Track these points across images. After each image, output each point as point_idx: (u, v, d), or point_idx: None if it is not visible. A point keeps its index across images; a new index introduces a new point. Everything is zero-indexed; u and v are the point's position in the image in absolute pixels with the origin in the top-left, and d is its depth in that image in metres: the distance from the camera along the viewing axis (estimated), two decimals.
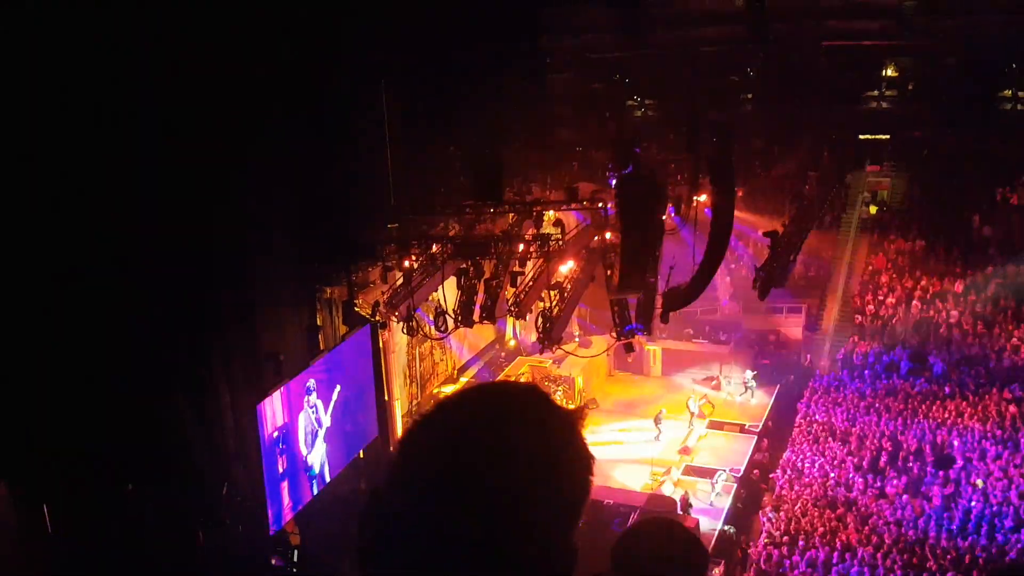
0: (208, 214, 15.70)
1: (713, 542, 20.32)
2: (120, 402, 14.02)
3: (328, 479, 19.88)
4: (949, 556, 18.44)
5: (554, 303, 21.02)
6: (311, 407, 19.18)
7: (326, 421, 19.77)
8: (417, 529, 1.42)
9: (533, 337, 24.76)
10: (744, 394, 27.37)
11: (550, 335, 20.87)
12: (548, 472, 1.44)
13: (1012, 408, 23.45)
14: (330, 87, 18.30)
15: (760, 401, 27.23)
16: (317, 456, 19.53)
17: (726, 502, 21.94)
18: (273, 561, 16.38)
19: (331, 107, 18.72)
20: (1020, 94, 29.98)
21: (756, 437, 25.02)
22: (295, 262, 19.61)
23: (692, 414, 25.86)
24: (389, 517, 1.45)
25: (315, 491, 19.55)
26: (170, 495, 15.04)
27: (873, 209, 30.72)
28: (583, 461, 1.51)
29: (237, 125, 16.23)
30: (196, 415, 16.26)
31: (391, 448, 22.92)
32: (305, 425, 19.01)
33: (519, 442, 1.44)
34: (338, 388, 20.07)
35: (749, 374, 27.34)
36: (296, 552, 16.96)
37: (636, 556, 2.55)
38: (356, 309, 21.89)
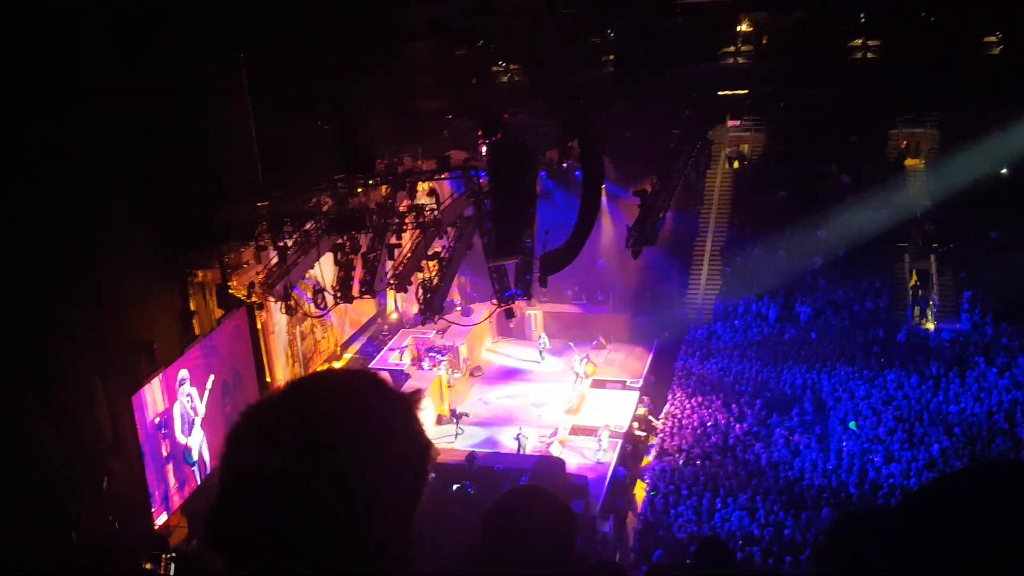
0: (51, 199, 14.89)
1: (602, 498, 20.87)
2: None
3: (210, 467, 19.42)
4: (825, 495, 19.44)
5: (433, 273, 20.97)
6: (186, 396, 18.67)
7: (201, 410, 19.27)
8: (252, 525, 1.39)
9: (415, 309, 24.65)
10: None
11: (431, 306, 20.84)
12: (376, 459, 1.41)
13: (876, 349, 24.82)
14: (184, 64, 17.55)
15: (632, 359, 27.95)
16: (195, 443, 19.04)
17: (612, 458, 22.49)
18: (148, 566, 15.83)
19: (187, 85, 17.96)
20: (869, 43, 31.31)
21: (638, 393, 25.69)
22: (161, 247, 18.88)
23: (577, 375, 26.33)
24: (225, 514, 1.42)
25: (199, 479, 19.06)
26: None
27: (736, 164, 31.74)
28: (417, 446, 1.48)
29: (84, 108, 15.43)
30: (58, 415, 15.49)
31: None
32: (181, 414, 18.51)
33: (345, 429, 1.41)
34: (212, 377, 19.56)
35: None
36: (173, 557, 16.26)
37: (505, 530, 2.59)
38: (231, 291, 21.31)
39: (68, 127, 15.21)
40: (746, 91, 29.29)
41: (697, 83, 25.80)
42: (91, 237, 16.40)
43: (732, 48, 30.73)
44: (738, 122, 31.49)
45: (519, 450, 23.20)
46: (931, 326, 25.97)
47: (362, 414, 1.45)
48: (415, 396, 1.55)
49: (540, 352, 28.51)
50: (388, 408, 1.49)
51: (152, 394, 17.56)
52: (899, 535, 1.38)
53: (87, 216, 16.19)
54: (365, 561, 1.42)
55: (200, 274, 20.97)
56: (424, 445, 1.50)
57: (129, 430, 16.91)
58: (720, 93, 27.89)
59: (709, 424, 22.77)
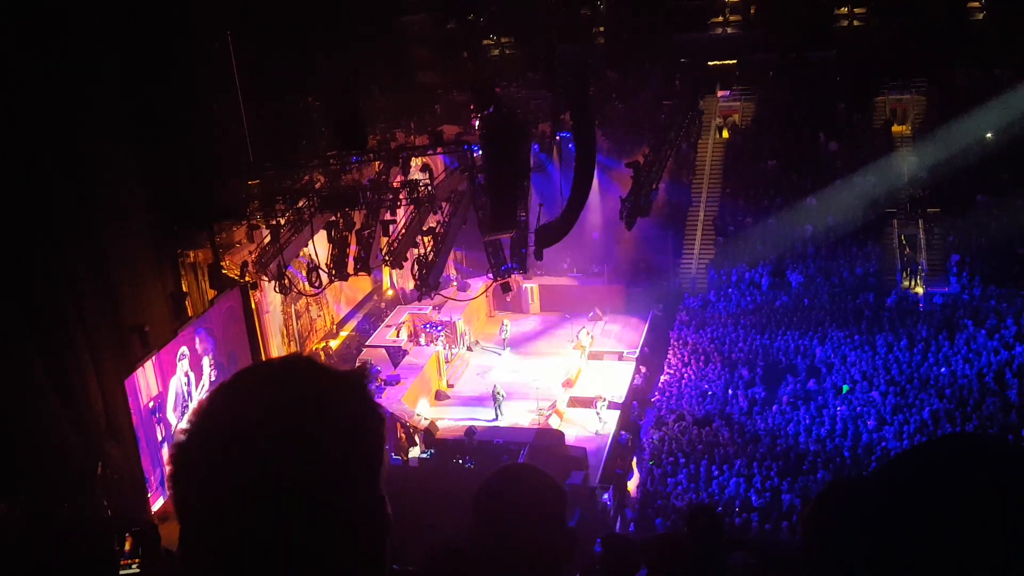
0: (46, 183, 14.78)
1: (601, 469, 21.02)
2: None
3: None
4: (819, 459, 19.66)
5: (429, 249, 20.94)
6: (183, 374, 18.58)
7: (196, 393, 19.17)
8: (216, 523, 1.39)
9: (411, 285, 24.65)
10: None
11: (427, 281, 20.81)
12: (320, 435, 1.41)
13: (867, 313, 25.02)
14: (173, 43, 17.39)
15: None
16: None
17: (610, 429, 22.62)
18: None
19: (176, 64, 17.80)
20: (856, 11, 31.33)
21: (634, 363, 25.81)
22: (151, 228, 18.74)
23: (583, 347, 26.46)
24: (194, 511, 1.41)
25: None
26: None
27: (726, 133, 31.75)
28: (361, 418, 1.48)
29: (82, 91, 15.30)
30: (56, 400, 15.43)
31: None
32: (176, 391, 18.42)
33: (285, 413, 1.41)
34: (209, 358, 19.49)
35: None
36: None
37: (498, 503, 2.60)
38: (224, 272, 21.22)
39: (66, 112, 15.08)
40: (735, 60, 29.35)
41: (687, 53, 25.80)
42: (88, 217, 16.32)
43: (720, 18, 30.76)
44: (728, 92, 31.50)
45: (495, 406, 23.51)
46: (920, 290, 26.18)
47: (294, 404, 1.44)
48: (361, 370, 1.55)
49: (503, 340, 28.09)
50: (324, 392, 1.47)
51: (145, 378, 17.45)
52: (874, 504, 1.41)
53: (85, 196, 16.11)
54: (338, 549, 1.42)
55: (192, 254, 20.86)
56: (366, 416, 1.48)
57: (123, 414, 16.80)
58: (710, 63, 27.88)
59: (706, 392, 22.94)
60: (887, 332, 24.02)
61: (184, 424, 1.45)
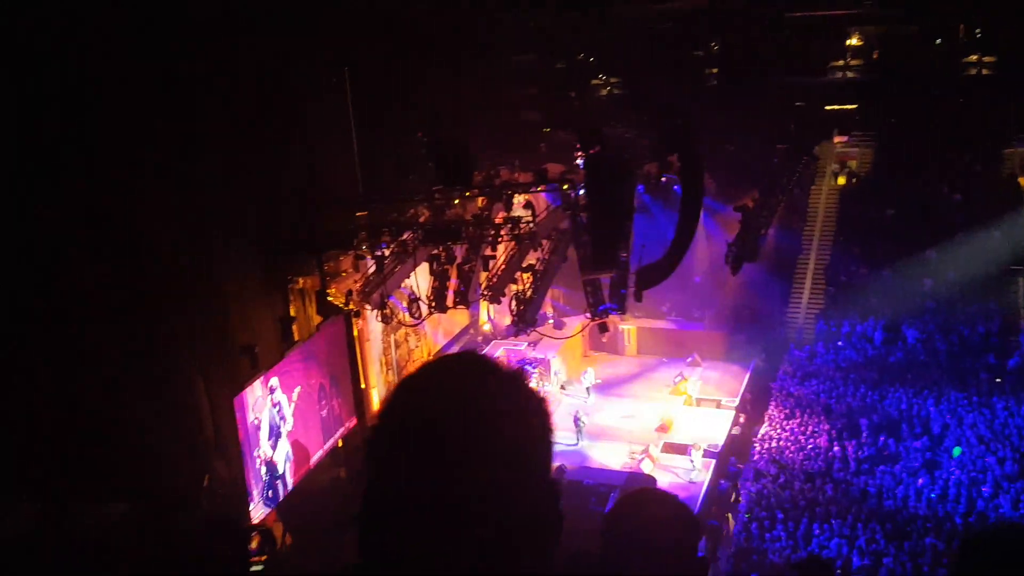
0: (166, 208, 15.46)
1: None
2: (96, 407, 13.83)
3: (291, 481, 19.60)
4: (929, 525, 18.62)
5: (527, 285, 20.96)
6: (274, 406, 18.96)
7: (289, 419, 19.50)
8: (399, 499, 1.47)
9: (507, 320, 24.68)
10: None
11: (524, 317, 20.81)
12: (499, 423, 1.50)
13: (984, 376, 23.72)
14: (291, 74, 18.07)
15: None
16: (280, 456, 19.23)
17: (705, 477, 22.02)
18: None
19: (293, 95, 18.49)
20: (985, 59, 30.10)
21: (733, 412, 25.13)
22: (265, 253, 19.41)
23: (686, 394, 26.06)
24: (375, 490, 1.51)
25: (282, 493, 19.22)
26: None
27: (842, 180, 30.83)
28: (534, 406, 1.57)
29: (201, 122, 15.99)
30: (168, 415, 16.02)
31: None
32: (269, 423, 18.80)
33: (470, 402, 1.51)
34: (298, 388, 19.79)
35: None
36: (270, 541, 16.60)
37: (630, 527, 2.55)
38: (329, 299, 21.72)
39: (185, 138, 15.78)
40: (855, 105, 28.53)
41: (804, 96, 25.22)
42: (203, 241, 16.99)
43: (841, 62, 30.01)
44: (846, 137, 30.63)
45: (577, 433, 23.56)
46: None
47: (483, 388, 1.55)
48: (520, 371, 1.65)
49: (587, 390, 27.46)
50: (500, 379, 1.58)
51: (253, 396, 17.96)
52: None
53: (201, 220, 16.79)
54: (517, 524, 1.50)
55: (301, 281, 21.45)
56: (539, 404, 1.59)
57: (230, 431, 17.30)
58: (828, 107, 27.17)
59: (809, 447, 22.09)
60: (1008, 396, 22.69)
61: (380, 405, 1.59)
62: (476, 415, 1.50)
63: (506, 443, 1.50)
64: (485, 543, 1.47)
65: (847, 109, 30.53)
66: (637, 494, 2.79)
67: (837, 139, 30.71)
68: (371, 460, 1.54)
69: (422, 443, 1.47)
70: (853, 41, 26.80)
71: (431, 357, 1.89)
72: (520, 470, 1.51)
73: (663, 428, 24.70)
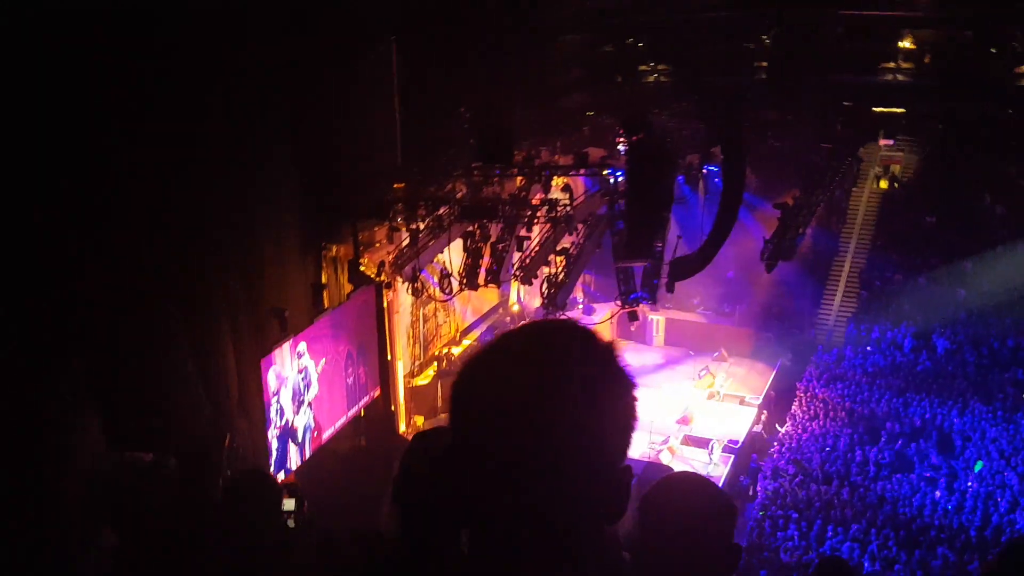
0: (209, 173, 15.60)
1: None
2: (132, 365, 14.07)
3: (322, 438, 19.83)
4: (943, 535, 18.52)
5: (560, 269, 20.97)
6: (300, 371, 19.12)
7: (314, 386, 19.65)
8: (470, 466, 1.48)
9: (537, 302, 24.73)
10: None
11: (555, 301, 20.84)
12: (594, 398, 1.49)
13: (1012, 389, 23.47)
14: (338, 42, 18.09)
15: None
16: (301, 422, 19.40)
17: (723, 472, 22.02)
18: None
19: (338, 64, 18.52)
20: None
21: (756, 409, 25.07)
22: (301, 219, 19.52)
23: (712, 387, 26.00)
24: (437, 457, 1.53)
25: (301, 458, 19.40)
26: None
27: (884, 183, 30.47)
28: (625, 385, 1.58)
29: (247, 89, 16.10)
30: (197, 372, 16.26)
31: (392, 406, 23.03)
32: (293, 388, 18.98)
33: (563, 373, 1.49)
34: (324, 360, 19.93)
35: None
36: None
37: (666, 510, 2.56)
38: (361, 268, 21.84)
39: (227, 103, 15.88)
40: (903, 109, 28.10)
41: (853, 96, 24.86)
42: (242, 203, 17.13)
43: (892, 64, 29.53)
44: (891, 141, 30.21)
45: None
46: None
47: (578, 358, 1.53)
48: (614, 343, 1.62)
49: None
50: (597, 350, 1.57)
51: (280, 359, 18.10)
52: None
53: (241, 183, 16.93)
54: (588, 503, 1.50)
55: (334, 249, 21.56)
56: (629, 382, 1.59)
57: (255, 392, 17.47)
58: (875, 109, 26.78)
59: (829, 449, 22.01)
60: None
61: (467, 359, 1.58)
62: (569, 382, 1.47)
63: (591, 423, 1.47)
64: (548, 523, 1.45)
65: (895, 112, 30.09)
66: (674, 478, 2.79)
67: (882, 142, 30.30)
68: (454, 417, 1.54)
69: (501, 412, 1.45)
70: (906, 44, 26.34)
71: (535, 321, 1.89)
72: (597, 453, 1.49)
73: (685, 420, 24.68)
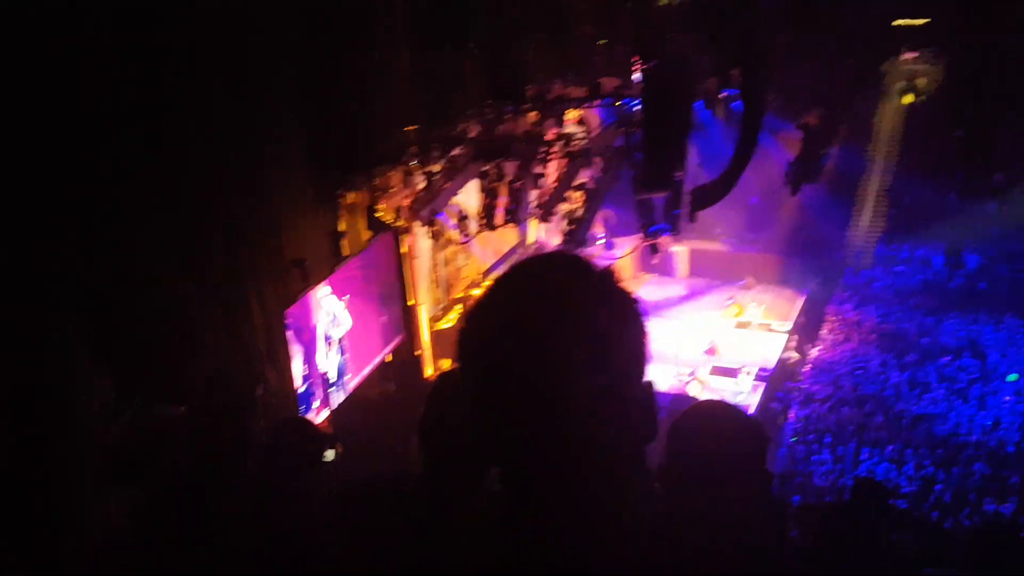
0: (218, 127, 15.37)
1: None
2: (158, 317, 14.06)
3: (349, 386, 19.95)
4: (981, 451, 18.36)
5: (579, 205, 20.65)
6: (328, 314, 19.14)
7: (343, 327, 19.70)
8: (485, 408, 1.50)
9: (557, 239, 24.45)
10: None
11: (575, 237, 20.56)
12: (596, 324, 1.51)
13: None
14: None
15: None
16: (333, 364, 19.51)
17: (753, 400, 21.90)
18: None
19: (344, 6, 18.12)
20: None
21: (785, 336, 24.83)
22: (312, 169, 19.31)
23: (743, 314, 25.73)
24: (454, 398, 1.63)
25: (338, 399, 19.59)
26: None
27: (908, 98, 29.63)
28: (632, 307, 1.62)
29: (260, 34, 15.80)
30: (227, 323, 16.28)
31: (417, 351, 23.05)
32: (322, 332, 19.01)
33: (563, 303, 1.52)
34: (347, 297, 19.90)
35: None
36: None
37: (696, 437, 2.58)
38: (378, 215, 21.65)
39: (236, 54, 15.59)
40: (926, 20, 27.21)
41: (872, 8, 24.06)
42: (255, 155, 16.94)
43: None
44: (915, 54, 29.31)
45: None
46: None
47: (583, 288, 1.55)
48: (611, 269, 1.64)
49: None
50: (597, 279, 1.58)
51: (305, 308, 18.16)
52: None
53: (251, 137, 16.72)
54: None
55: (350, 196, 21.34)
56: (636, 307, 1.64)
57: (281, 342, 17.52)
58: (898, 21, 25.93)
59: (861, 372, 21.81)
60: None
61: (475, 298, 1.60)
62: (573, 313, 1.48)
63: (603, 343, 1.49)
64: (575, 449, 1.46)
65: (917, 24, 29.15)
66: (702, 405, 2.77)
67: (906, 55, 29.41)
68: (463, 357, 1.55)
69: (514, 344, 1.46)
70: None
71: (529, 257, 1.86)
72: (616, 375, 1.52)
73: (712, 351, 24.49)
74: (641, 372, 1.61)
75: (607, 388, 1.51)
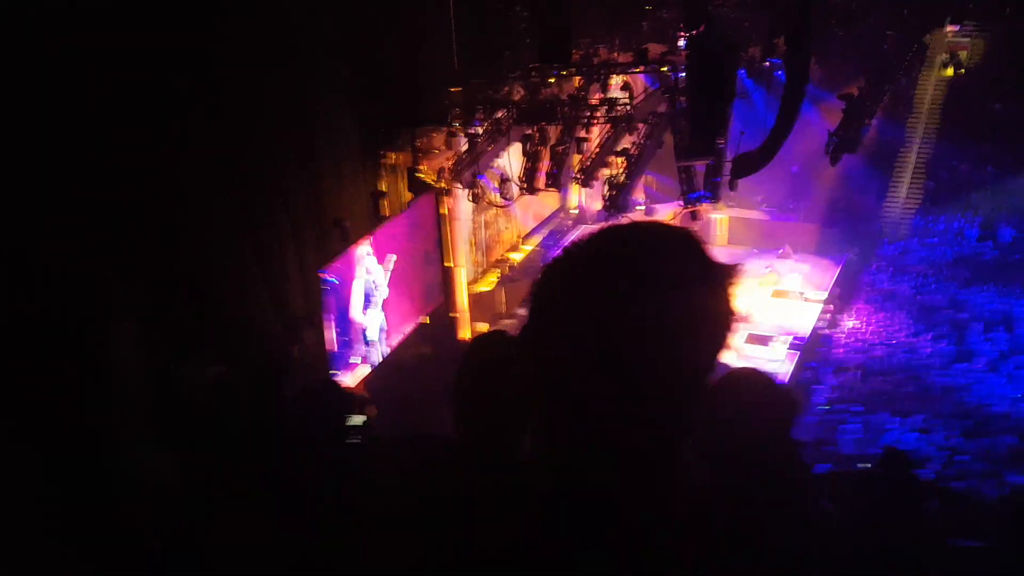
0: (265, 84, 15.67)
1: None
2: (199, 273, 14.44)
3: (387, 347, 20.23)
4: (1008, 424, 18.52)
5: (621, 170, 20.79)
6: (369, 273, 19.36)
7: (383, 290, 19.93)
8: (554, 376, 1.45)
9: (598, 205, 24.60)
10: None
11: (616, 203, 20.71)
12: (688, 297, 1.48)
13: None
14: None
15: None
16: (373, 322, 19.74)
17: (787, 369, 22.10)
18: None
19: None
20: None
21: (821, 305, 24.95)
22: (358, 127, 19.52)
23: (777, 282, 25.85)
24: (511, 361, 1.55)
25: (378, 357, 19.84)
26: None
27: (951, 71, 29.38)
28: (725, 303, 1.58)
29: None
30: (266, 283, 16.63)
31: (454, 313, 23.34)
32: (364, 291, 19.23)
33: (662, 280, 1.48)
34: (393, 257, 20.14)
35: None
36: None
37: (726, 405, 2.59)
38: (420, 176, 21.87)
39: (294, 25, 15.81)
40: None
41: None
42: (299, 114, 17.22)
43: None
44: (958, 27, 29.02)
45: None
46: None
47: (681, 270, 1.53)
48: (733, 268, 1.62)
49: None
50: (703, 267, 1.57)
51: (344, 268, 18.39)
52: None
53: (297, 94, 16.99)
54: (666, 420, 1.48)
55: (393, 157, 21.55)
56: (728, 309, 1.59)
57: (319, 302, 17.80)
58: None
59: (893, 342, 21.97)
60: None
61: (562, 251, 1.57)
62: (655, 274, 1.46)
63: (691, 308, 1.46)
64: (638, 403, 1.44)
65: None
66: (734, 373, 2.78)
67: (949, 28, 29.11)
68: (535, 306, 1.48)
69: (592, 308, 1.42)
70: None
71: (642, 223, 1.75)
72: (692, 358, 1.46)
73: (747, 319, 24.62)
74: (719, 353, 1.55)
75: (685, 367, 1.47)
